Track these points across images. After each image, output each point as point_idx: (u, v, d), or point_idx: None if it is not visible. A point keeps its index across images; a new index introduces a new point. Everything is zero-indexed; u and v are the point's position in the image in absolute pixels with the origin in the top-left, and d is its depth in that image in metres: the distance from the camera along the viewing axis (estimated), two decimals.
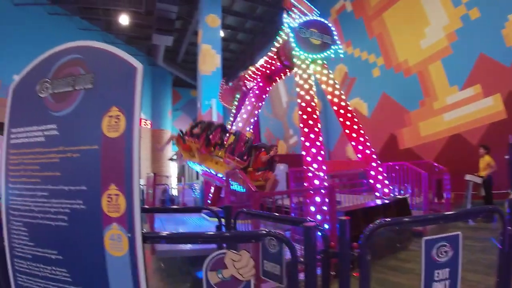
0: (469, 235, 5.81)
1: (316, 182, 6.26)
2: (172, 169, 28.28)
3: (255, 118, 10.46)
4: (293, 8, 7.88)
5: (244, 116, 9.79)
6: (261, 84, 10.04)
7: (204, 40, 17.29)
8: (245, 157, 6.60)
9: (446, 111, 11.37)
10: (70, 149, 2.96)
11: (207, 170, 7.50)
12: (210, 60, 17.07)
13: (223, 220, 3.37)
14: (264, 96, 10.43)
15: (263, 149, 7.22)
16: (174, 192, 17.43)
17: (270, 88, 10.66)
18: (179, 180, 23.47)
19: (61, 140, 3.06)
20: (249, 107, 9.88)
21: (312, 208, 5.84)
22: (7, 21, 18.99)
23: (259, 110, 10.62)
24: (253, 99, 9.95)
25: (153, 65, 28.08)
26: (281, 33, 8.52)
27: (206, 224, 6.47)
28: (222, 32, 18.95)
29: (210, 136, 7.10)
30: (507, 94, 9.54)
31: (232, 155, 6.57)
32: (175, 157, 10.91)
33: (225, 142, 7.13)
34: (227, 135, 7.36)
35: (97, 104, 2.70)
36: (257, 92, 10.02)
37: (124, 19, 22.23)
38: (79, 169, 2.79)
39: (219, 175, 7.15)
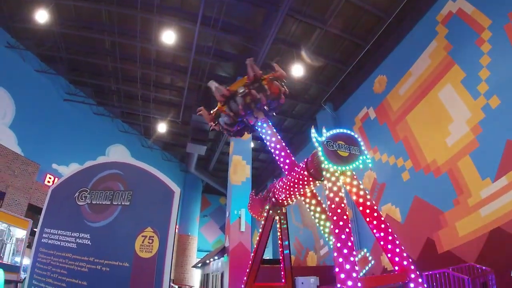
0: None
1: None
2: (195, 278, 27.11)
3: None
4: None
5: None
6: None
7: (235, 151, 18.10)
8: None
9: (482, 205, 10.72)
10: (101, 262, 2.96)
11: None
12: (240, 170, 17.60)
13: None
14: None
15: None
16: None
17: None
18: None
19: (93, 251, 3.09)
20: None
21: None
22: (55, 113, 20.89)
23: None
24: None
25: (185, 171, 29.24)
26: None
27: None
28: (252, 143, 19.88)
29: None
30: None
31: None
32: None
33: None
34: None
35: (133, 222, 2.78)
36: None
37: (162, 127, 24.09)
38: (107, 283, 2.75)
39: None
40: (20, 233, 10.58)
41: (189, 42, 16.65)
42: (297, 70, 16.98)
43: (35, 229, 3.89)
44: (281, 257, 10.53)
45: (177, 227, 24.72)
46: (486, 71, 11.17)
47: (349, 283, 6.02)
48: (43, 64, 19.97)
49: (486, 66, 11.19)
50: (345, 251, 6.34)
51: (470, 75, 11.75)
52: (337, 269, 6.28)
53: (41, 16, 15.25)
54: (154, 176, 2.68)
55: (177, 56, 18.79)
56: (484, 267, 7.67)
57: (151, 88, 21.02)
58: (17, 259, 10.25)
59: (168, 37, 16.24)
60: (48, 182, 18.74)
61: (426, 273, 7.77)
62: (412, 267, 7.29)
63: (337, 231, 6.60)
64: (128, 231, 2.64)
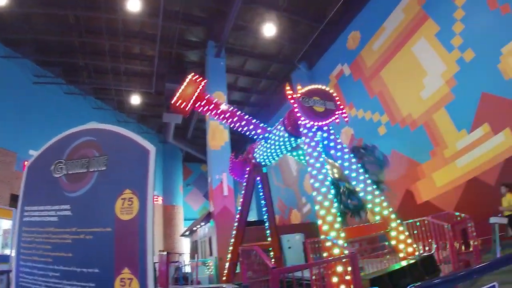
0: (506, 279, 4.98)
1: (336, 250, 5.99)
2: (184, 246, 27.62)
3: None
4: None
5: None
6: None
7: (212, 117, 17.89)
8: None
9: (458, 156, 11.17)
10: (83, 231, 2.93)
11: None
12: (218, 135, 17.52)
13: None
14: None
15: None
16: (188, 270, 16.78)
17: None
18: (192, 257, 22.75)
19: (75, 221, 3.04)
20: None
21: (335, 279, 5.52)
22: (26, 98, 19.90)
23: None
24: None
25: (163, 142, 28.90)
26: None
27: None
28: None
29: None
30: None
31: None
32: None
33: None
34: None
35: (111, 186, 2.73)
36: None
37: (135, 99, 23.48)
38: (92, 251, 2.74)
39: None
40: (6, 223, 10.48)
41: (155, 8, 15.89)
42: (269, 30, 16.61)
43: None
44: (265, 218, 10.80)
45: (161, 198, 24.64)
46: (460, 24, 11.21)
47: (332, 233, 6.23)
48: (8, 49, 18.76)
49: (460, 20, 11.21)
50: (326, 203, 6.51)
51: (444, 28, 11.79)
52: (319, 221, 6.48)
53: None
54: (128, 138, 2.61)
55: (145, 24, 17.97)
56: (463, 214, 7.99)
57: (121, 60, 20.16)
58: (7, 251, 10.20)
59: (133, 4, 15.43)
60: None
61: (407, 221, 8.08)
62: (393, 216, 7.61)
63: (317, 185, 6.75)
64: (107, 195, 2.60)
